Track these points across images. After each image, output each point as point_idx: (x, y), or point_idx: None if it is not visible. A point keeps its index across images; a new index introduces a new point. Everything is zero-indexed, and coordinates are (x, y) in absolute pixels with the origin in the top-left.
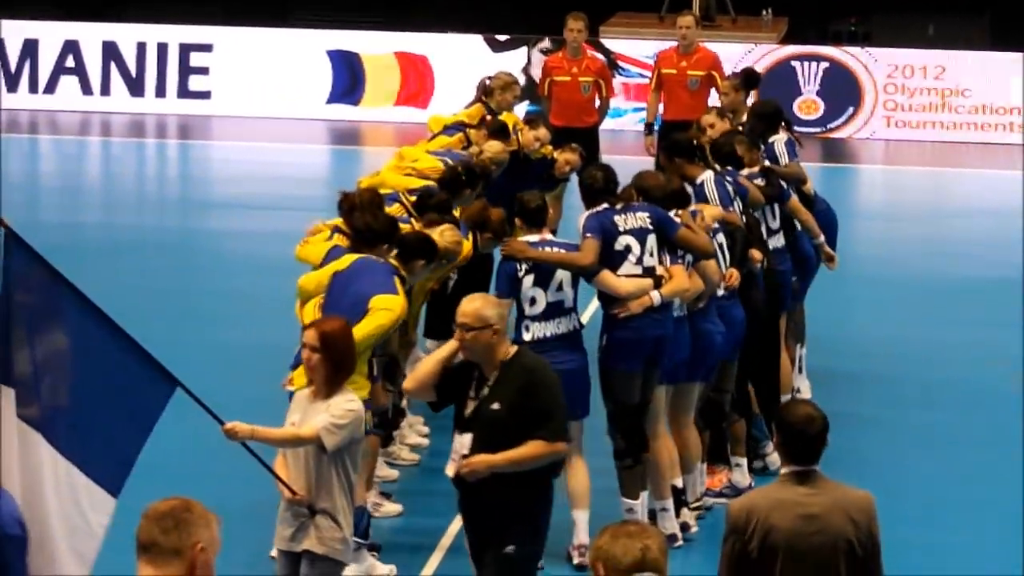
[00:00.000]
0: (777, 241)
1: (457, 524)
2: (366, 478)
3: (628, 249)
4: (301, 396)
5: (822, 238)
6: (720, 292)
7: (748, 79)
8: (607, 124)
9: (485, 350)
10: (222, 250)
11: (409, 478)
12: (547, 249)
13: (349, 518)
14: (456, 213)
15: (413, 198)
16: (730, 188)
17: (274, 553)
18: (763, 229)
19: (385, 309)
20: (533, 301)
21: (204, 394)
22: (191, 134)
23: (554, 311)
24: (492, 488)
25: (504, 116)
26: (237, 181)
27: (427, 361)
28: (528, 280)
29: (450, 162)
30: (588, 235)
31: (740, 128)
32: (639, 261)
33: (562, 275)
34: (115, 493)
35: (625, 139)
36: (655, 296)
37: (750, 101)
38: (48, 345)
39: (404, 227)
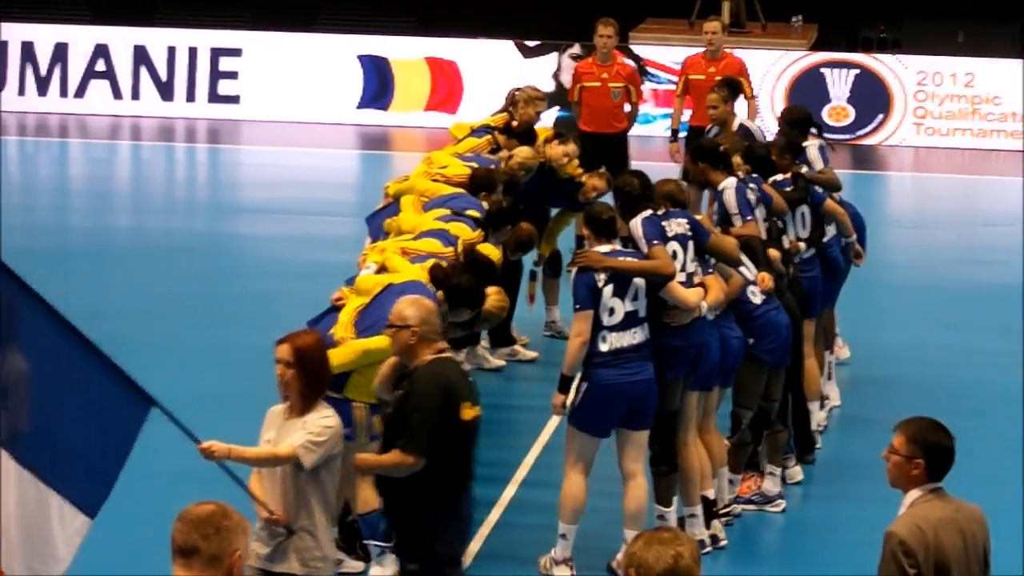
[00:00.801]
0: (806, 250)
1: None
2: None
3: (674, 256)
4: (275, 413)
5: (854, 237)
6: (757, 299)
7: (732, 87)
8: (636, 130)
9: (403, 351)
10: (251, 254)
11: None
12: (622, 259)
13: (329, 534)
14: (485, 205)
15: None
16: (752, 196)
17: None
18: (792, 237)
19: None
20: (612, 311)
21: (228, 398)
22: (220, 138)
23: (631, 321)
24: (381, 494)
25: (537, 130)
26: (266, 186)
27: (389, 360)
28: (608, 290)
29: (477, 167)
30: (655, 242)
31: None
32: (683, 267)
33: (639, 284)
34: (91, 513)
35: (654, 145)
36: (703, 307)
37: (740, 109)
38: (16, 364)
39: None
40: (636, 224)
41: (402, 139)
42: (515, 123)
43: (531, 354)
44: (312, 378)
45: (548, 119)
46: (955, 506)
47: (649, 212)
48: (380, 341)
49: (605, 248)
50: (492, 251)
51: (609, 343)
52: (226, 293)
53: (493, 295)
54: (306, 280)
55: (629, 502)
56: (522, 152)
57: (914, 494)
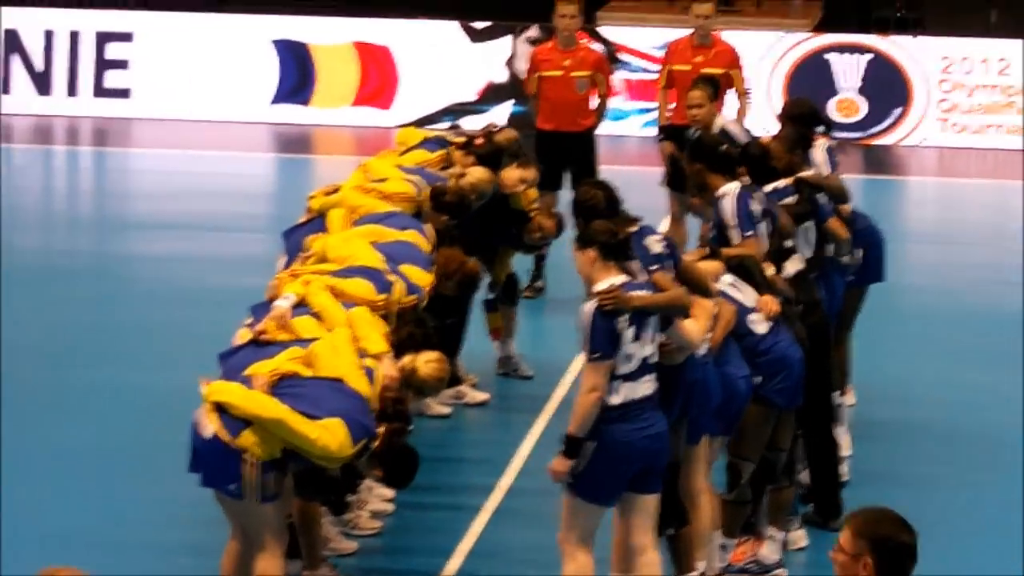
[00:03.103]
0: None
1: None
2: (307, 554)
3: None
4: None
5: (848, 259)
6: (761, 328)
7: (714, 84)
8: (605, 128)
9: None
10: (143, 278)
11: (370, 553)
12: (640, 292)
13: None
14: (429, 230)
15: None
16: (756, 207)
17: None
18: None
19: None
20: (628, 358)
21: (126, 447)
22: (108, 140)
23: (645, 368)
24: None
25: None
26: (162, 196)
27: None
28: (629, 334)
29: (422, 184)
30: (653, 267)
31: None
32: None
33: (654, 324)
34: None
35: (628, 146)
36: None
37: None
38: None
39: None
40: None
41: (326, 140)
42: (479, 141)
43: (481, 396)
44: None
45: (503, 114)
46: None
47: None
48: (307, 428)
49: (618, 279)
50: (421, 276)
51: (622, 395)
52: (112, 324)
53: (429, 361)
54: (209, 308)
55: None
56: (477, 173)
57: None
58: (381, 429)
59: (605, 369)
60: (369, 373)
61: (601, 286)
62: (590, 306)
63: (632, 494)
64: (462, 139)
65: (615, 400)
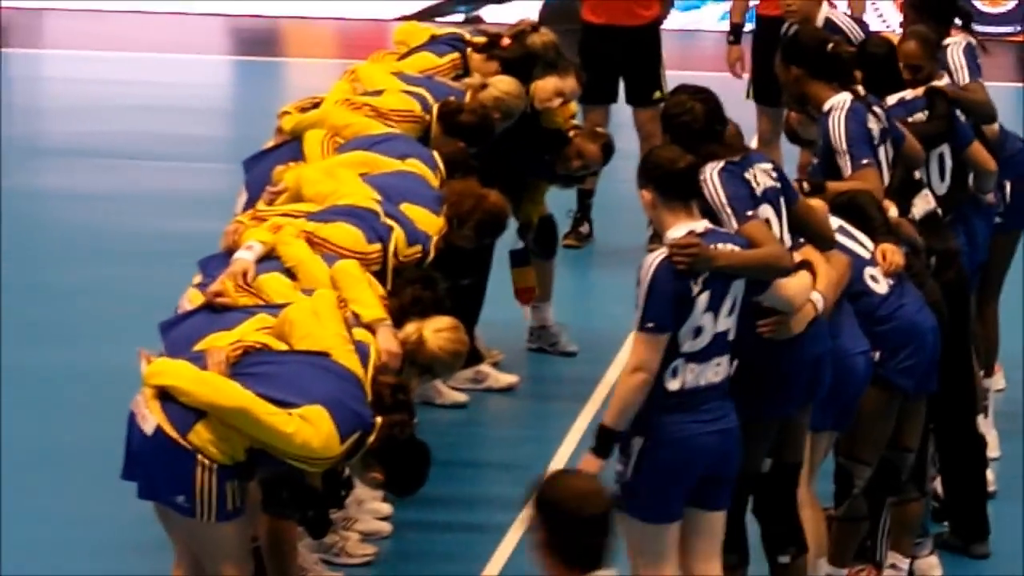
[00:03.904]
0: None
1: None
2: None
3: (767, 225)
4: None
5: (991, 197)
6: (881, 287)
7: None
8: (673, 21)
9: None
10: (55, 223)
11: None
12: (726, 246)
13: None
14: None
15: None
16: (875, 126)
17: None
18: (927, 194)
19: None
20: (698, 332)
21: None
22: (10, 39)
23: (719, 346)
24: None
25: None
26: (84, 113)
27: None
28: (702, 301)
29: (429, 99)
30: (748, 213)
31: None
32: (780, 240)
33: (738, 290)
34: None
35: (703, 44)
36: (818, 301)
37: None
38: None
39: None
40: (712, 179)
41: (300, 38)
42: (506, 42)
43: (508, 379)
44: None
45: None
46: None
47: (723, 161)
48: (279, 420)
49: (697, 226)
50: (427, 220)
51: (682, 379)
52: (18, 285)
53: (440, 330)
54: (146, 263)
55: None
56: (502, 84)
57: None
58: (378, 420)
59: (659, 344)
60: (361, 349)
61: (675, 234)
62: (655, 258)
63: (693, 509)
64: (482, 39)
65: (672, 385)
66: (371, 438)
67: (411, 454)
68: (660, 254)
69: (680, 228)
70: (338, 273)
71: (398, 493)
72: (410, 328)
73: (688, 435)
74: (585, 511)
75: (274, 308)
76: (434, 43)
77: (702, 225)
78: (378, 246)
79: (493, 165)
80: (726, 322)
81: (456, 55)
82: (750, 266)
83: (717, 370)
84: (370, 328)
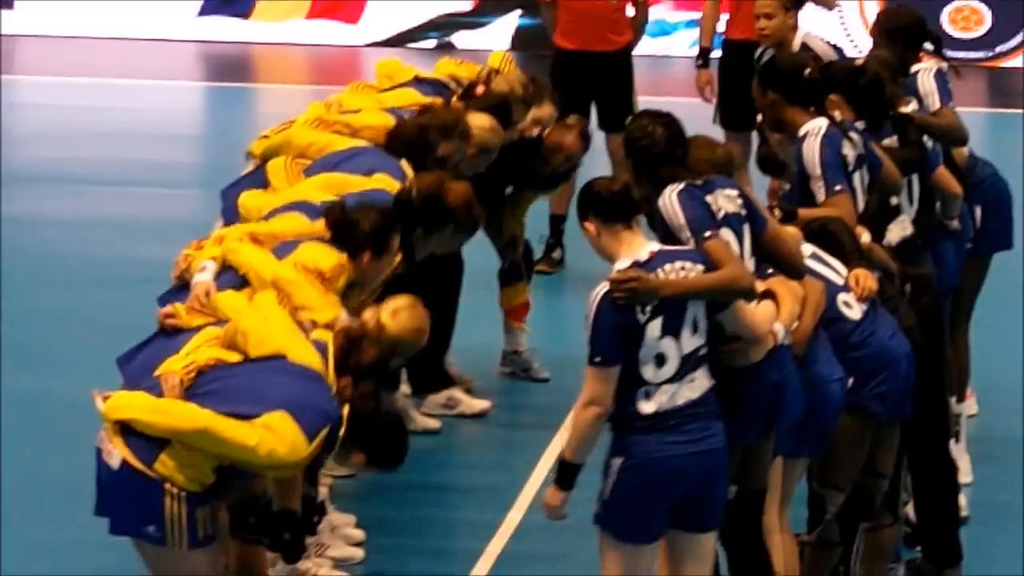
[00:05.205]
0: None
1: None
2: None
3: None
4: None
5: (956, 223)
6: (855, 313)
7: None
8: (644, 47)
9: None
10: (24, 249)
11: None
12: (674, 268)
13: None
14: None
15: None
16: (850, 152)
17: None
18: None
19: None
20: (661, 360)
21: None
22: None
23: (690, 364)
24: None
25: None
26: (56, 140)
27: None
28: (653, 328)
29: (406, 118)
30: (707, 233)
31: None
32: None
33: (697, 310)
34: None
35: (674, 70)
36: (779, 330)
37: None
38: None
39: None
40: (670, 201)
41: (271, 64)
42: (480, 89)
43: (480, 404)
44: None
45: (505, 30)
46: None
47: (684, 182)
48: (240, 434)
49: (642, 252)
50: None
51: (657, 401)
52: None
53: (397, 311)
54: (113, 290)
55: None
56: (476, 119)
57: None
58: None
59: (610, 376)
60: (319, 346)
61: (620, 265)
62: (598, 292)
63: (678, 532)
64: (459, 90)
65: (647, 408)
66: (342, 429)
67: (384, 428)
68: (603, 288)
69: (625, 260)
70: (280, 282)
71: (383, 467)
72: (367, 315)
73: (665, 456)
74: None
75: (222, 322)
76: (419, 83)
77: (647, 251)
78: (322, 220)
79: (474, 185)
80: (692, 342)
81: (440, 100)
82: (704, 290)
83: (693, 386)
84: (328, 328)
